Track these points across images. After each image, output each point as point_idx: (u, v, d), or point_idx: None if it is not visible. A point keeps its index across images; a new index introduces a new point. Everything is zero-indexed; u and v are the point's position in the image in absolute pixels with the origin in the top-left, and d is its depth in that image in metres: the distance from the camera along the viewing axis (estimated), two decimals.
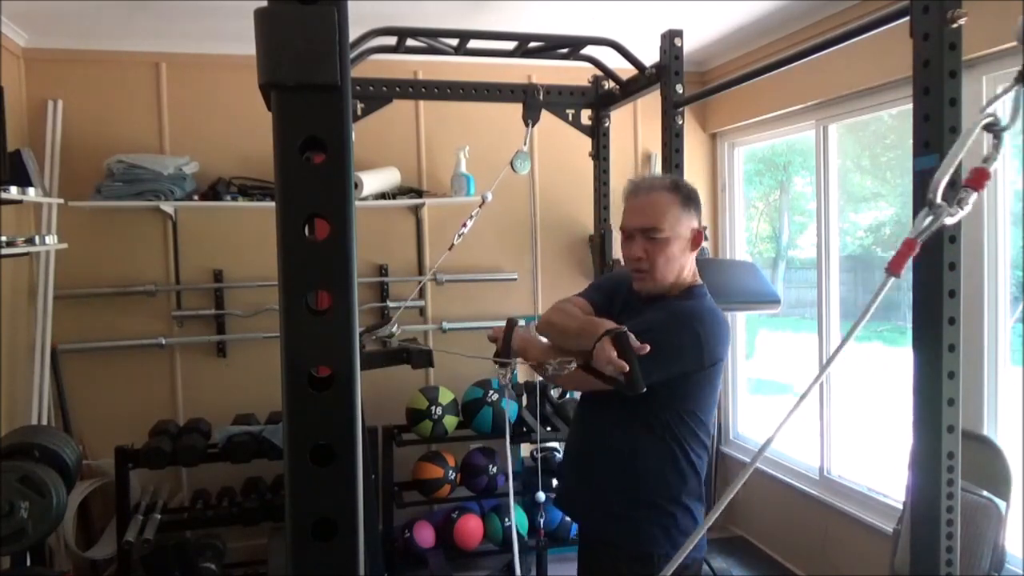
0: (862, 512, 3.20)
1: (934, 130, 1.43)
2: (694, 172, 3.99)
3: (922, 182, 1.46)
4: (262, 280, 3.62)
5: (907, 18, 1.50)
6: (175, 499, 3.56)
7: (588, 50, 2.82)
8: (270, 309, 3.60)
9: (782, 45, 3.48)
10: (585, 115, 3.18)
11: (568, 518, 3.62)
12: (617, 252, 3.43)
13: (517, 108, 3.05)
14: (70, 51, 3.46)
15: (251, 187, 3.56)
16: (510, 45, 2.73)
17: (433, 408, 3.46)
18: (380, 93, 2.89)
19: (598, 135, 3.21)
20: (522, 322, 2.00)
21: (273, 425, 3.32)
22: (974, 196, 0.92)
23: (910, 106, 1.49)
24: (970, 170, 0.91)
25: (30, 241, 2.96)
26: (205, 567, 3.20)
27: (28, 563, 2.73)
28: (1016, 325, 2.72)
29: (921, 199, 1.46)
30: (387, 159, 3.75)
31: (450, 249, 2.69)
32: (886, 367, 3.44)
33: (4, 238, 2.75)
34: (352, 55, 2.45)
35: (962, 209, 0.91)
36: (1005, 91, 0.94)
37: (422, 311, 3.93)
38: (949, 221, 0.92)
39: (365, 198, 3.54)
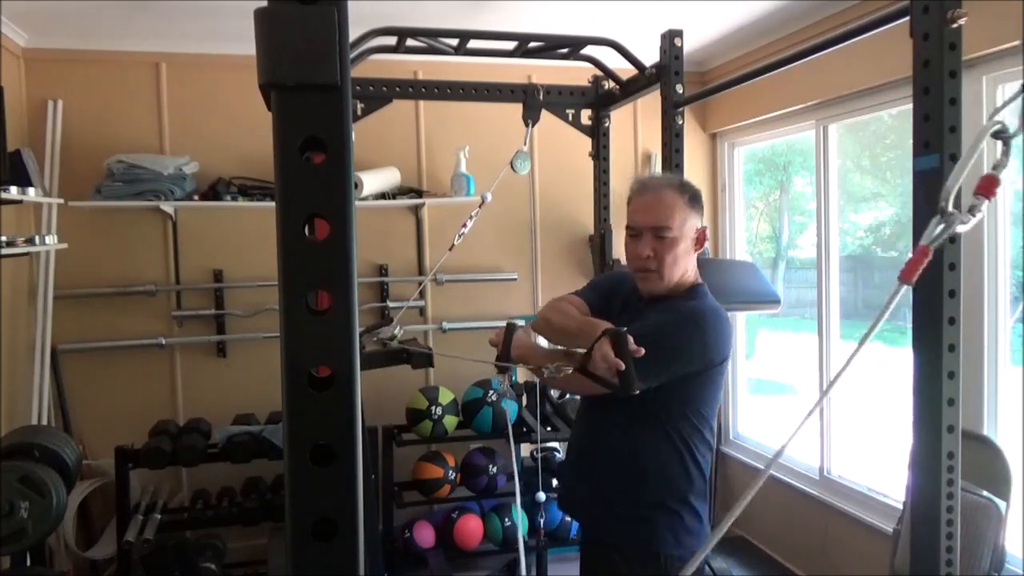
0: (862, 512, 3.20)
1: (934, 130, 1.43)
2: (694, 172, 3.99)
3: (922, 182, 1.46)
4: (262, 280, 3.62)
5: (907, 18, 1.50)
6: (175, 499, 3.56)
7: (588, 50, 2.82)
8: (270, 309, 3.60)
9: (782, 45, 3.48)
10: (585, 115, 3.18)
11: (568, 518, 3.62)
12: (617, 252, 3.44)
13: (517, 108, 3.05)
14: (70, 51, 3.46)
15: (251, 187, 3.56)
16: (510, 45, 2.73)
17: (433, 408, 3.46)
18: (380, 93, 2.89)
19: (598, 135, 3.21)
20: (521, 322, 2.00)
21: (273, 425, 3.32)
22: (985, 204, 0.92)
23: (910, 106, 1.49)
24: (980, 178, 0.91)
25: (30, 241, 2.96)
26: (205, 567, 3.20)
27: (28, 563, 2.73)
28: (1016, 325, 2.72)
29: (922, 199, 1.47)
30: (387, 159, 3.75)
31: (450, 249, 2.68)
32: (886, 367, 3.44)
33: (4, 238, 2.75)
34: (352, 55, 2.45)
35: (974, 216, 0.91)
36: (1012, 98, 0.94)
37: (422, 311, 3.93)
38: (961, 229, 0.92)
39: (365, 198, 3.54)
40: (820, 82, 3.27)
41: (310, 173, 0.54)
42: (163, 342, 3.57)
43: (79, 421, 3.51)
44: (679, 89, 2.56)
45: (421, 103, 3.87)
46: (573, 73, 3.31)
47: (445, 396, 3.52)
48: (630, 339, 1.53)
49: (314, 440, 0.55)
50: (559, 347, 1.86)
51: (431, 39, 2.64)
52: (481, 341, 3.84)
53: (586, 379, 1.61)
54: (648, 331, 1.72)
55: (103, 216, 3.50)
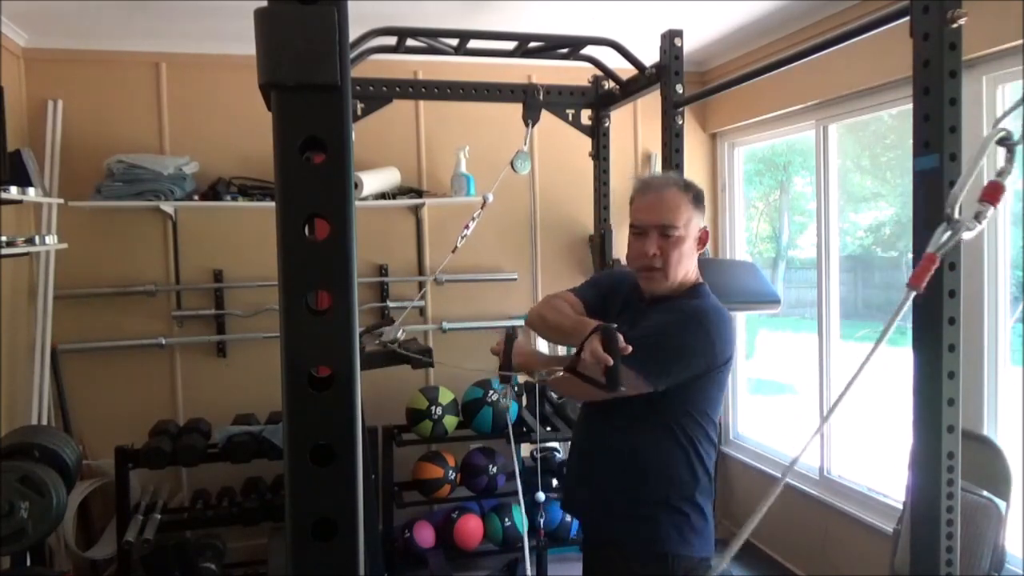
0: (862, 512, 3.20)
1: (934, 130, 1.43)
2: (694, 172, 3.99)
3: (922, 182, 1.46)
4: (262, 280, 3.62)
5: (907, 18, 1.50)
6: (175, 499, 3.56)
7: (588, 50, 2.82)
8: (270, 309, 3.60)
9: (782, 45, 3.48)
10: (585, 115, 3.18)
11: (569, 518, 3.62)
12: (617, 252, 3.44)
13: (517, 108, 3.05)
14: (70, 51, 3.46)
15: (251, 187, 3.56)
16: (510, 45, 2.73)
17: (433, 408, 3.46)
18: (380, 93, 2.89)
19: (598, 135, 3.21)
20: (520, 321, 2.00)
21: (273, 425, 3.32)
22: (991, 210, 0.92)
23: (910, 106, 1.49)
24: (986, 184, 0.91)
25: (30, 241, 2.96)
26: (205, 567, 3.20)
27: (28, 563, 2.73)
28: (1016, 325, 2.72)
29: (922, 199, 1.47)
30: (387, 159, 3.75)
31: (453, 251, 2.69)
32: (886, 367, 3.44)
33: (4, 238, 2.75)
34: (352, 55, 2.45)
35: (980, 223, 0.92)
36: (1014, 107, 0.94)
37: (422, 311, 3.93)
38: (967, 236, 0.92)
39: (365, 198, 3.54)
40: (820, 82, 3.27)
41: (310, 173, 0.54)
42: (163, 342, 3.57)
43: (79, 421, 3.51)
44: (679, 89, 2.56)
45: (421, 103, 3.87)
46: (573, 73, 3.31)
47: (445, 396, 3.52)
48: (620, 337, 1.53)
49: (314, 440, 0.55)
50: (560, 353, 1.86)
51: (431, 39, 2.64)
52: (481, 341, 3.87)
53: (576, 381, 1.61)
54: (653, 332, 1.72)
55: (103, 216, 3.50)
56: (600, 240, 3.36)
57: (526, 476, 3.61)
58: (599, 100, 3.15)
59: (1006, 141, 0.94)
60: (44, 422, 3.28)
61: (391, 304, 3.82)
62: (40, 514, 2.35)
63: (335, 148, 0.54)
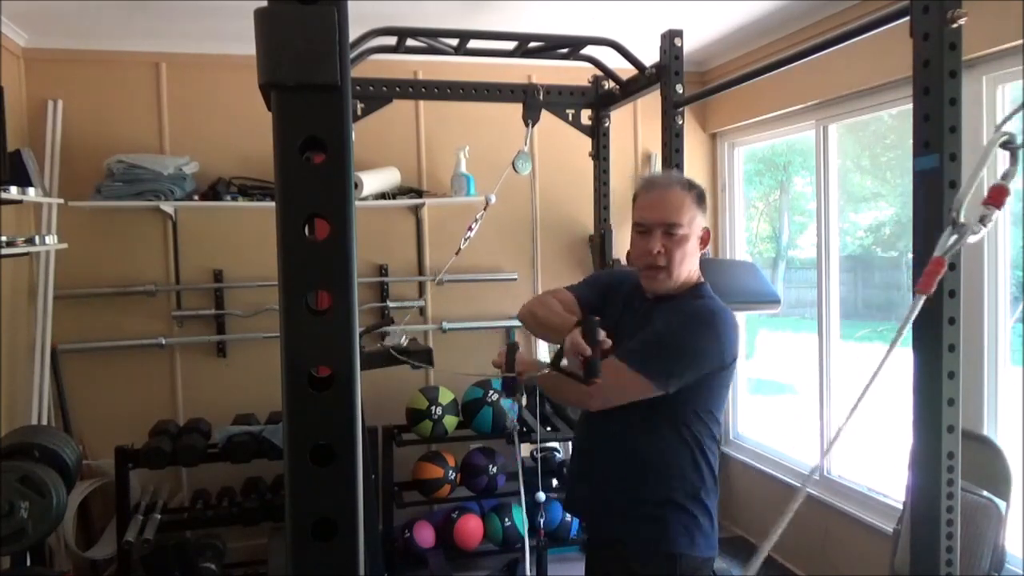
0: (862, 512, 3.20)
1: (934, 130, 1.43)
2: (694, 172, 3.99)
3: (922, 182, 1.46)
4: (262, 280, 3.62)
5: (907, 18, 1.50)
6: (175, 499, 3.56)
7: (588, 50, 2.82)
8: (270, 309, 3.60)
9: (782, 45, 3.48)
10: (585, 115, 3.18)
11: (569, 518, 3.62)
12: (617, 252, 3.45)
13: (517, 108, 3.05)
14: (70, 51, 3.46)
15: (251, 187, 3.56)
16: (510, 45, 2.73)
17: (433, 408, 3.46)
18: (380, 93, 2.89)
19: (598, 135, 3.21)
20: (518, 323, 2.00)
21: (273, 425, 3.32)
22: (996, 214, 0.92)
23: (910, 106, 1.49)
24: (990, 187, 0.91)
25: (30, 241, 2.96)
26: (205, 567, 3.20)
27: (28, 563, 2.73)
28: (1016, 325, 2.72)
29: (922, 199, 1.47)
30: (387, 159, 3.75)
31: (457, 254, 2.69)
32: (886, 367, 3.44)
33: (4, 238, 2.75)
34: (352, 55, 2.45)
35: (985, 227, 0.92)
36: (1016, 111, 0.94)
37: (422, 311, 3.93)
38: (973, 239, 0.93)
39: (365, 198, 3.54)
40: (820, 82, 3.26)
41: (310, 173, 0.54)
42: (163, 342, 3.57)
43: (79, 421, 3.50)
44: (679, 89, 2.56)
45: (421, 103, 3.87)
46: (573, 73, 3.31)
47: (445, 396, 3.52)
48: (601, 332, 1.53)
49: (314, 440, 0.55)
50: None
51: (431, 39, 2.64)
52: (481, 341, 3.87)
53: (564, 381, 1.61)
54: (659, 336, 1.72)
55: (103, 216, 3.50)
56: (600, 240, 3.36)
57: (526, 476, 3.63)
58: (599, 100, 3.15)
59: (1009, 144, 0.94)
60: (44, 422, 3.28)
61: (391, 304, 3.82)
62: (40, 514, 2.35)
63: (335, 148, 0.54)
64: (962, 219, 0.91)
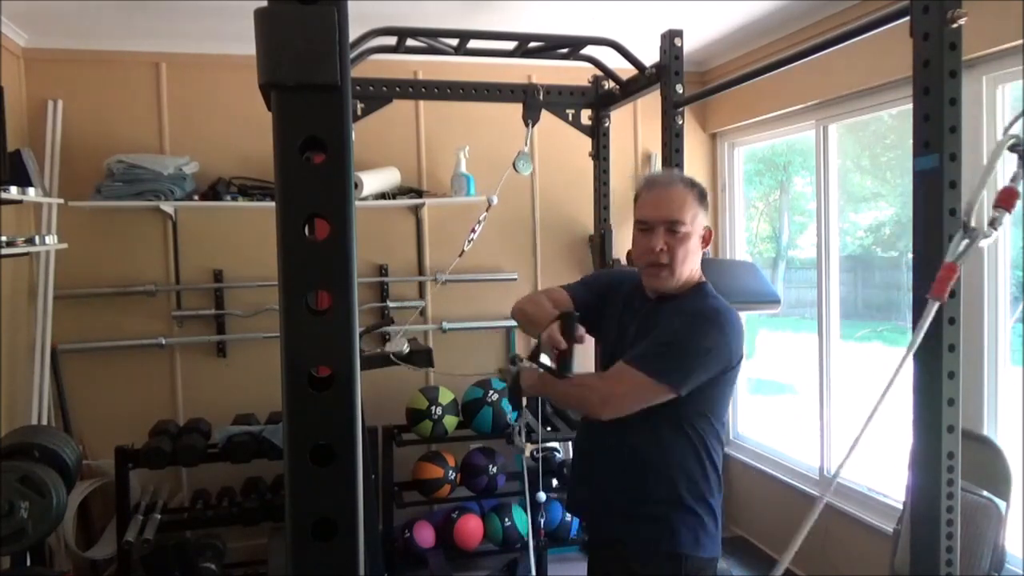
0: (862, 512, 3.20)
1: (934, 130, 1.43)
2: (694, 172, 3.97)
3: (922, 182, 1.46)
4: (262, 280, 3.62)
5: (907, 18, 1.50)
6: (175, 499, 3.56)
7: (588, 50, 2.82)
8: (270, 309, 3.60)
9: (782, 45, 3.48)
10: (585, 115, 3.18)
11: (569, 517, 3.62)
12: (617, 252, 3.45)
13: (517, 108, 3.05)
14: (70, 51, 3.46)
15: (251, 187, 3.56)
16: (510, 45, 2.73)
17: (433, 408, 3.46)
18: (380, 93, 2.89)
19: (598, 135, 3.21)
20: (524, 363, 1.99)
21: (273, 425, 3.32)
22: (1007, 217, 0.92)
23: (910, 106, 1.49)
24: (1000, 190, 0.92)
25: (30, 241, 2.96)
26: (205, 567, 3.20)
27: (28, 563, 2.73)
28: (1016, 325, 2.72)
29: (922, 199, 1.47)
30: (387, 159, 3.75)
31: (460, 255, 2.69)
32: (886, 367, 3.44)
33: (4, 238, 2.75)
34: (352, 55, 2.45)
35: (996, 230, 0.92)
36: (1020, 115, 0.94)
37: (422, 311, 3.93)
38: (984, 243, 0.93)
39: (365, 198, 3.54)
40: (820, 82, 3.27)
41: (310, 173, 0.54)
42: (163, 342, 3.57)
43: (79, 421, 3.51)
44: (679, 89, 2.56)
45: (421, 103, 3.87)
46: (573, 73, 3.31)
47: (445, 396, 3.52)
48: (580, 328, 1.53)
49: (314, 440, 0.55)
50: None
51: (431, 39, 2.65)
52: (481, 341, 3.87)
53: (546, 380, 1.61)
54: (670, 336, 1.71)
55: (103, 216, 3.50)
56: (600, 240, 3.36)
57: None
58: (599, 100, 3.15)
59: (1017, 147, 0.94)
60: (44, 422, 3.28)
61: (391, 304, 3.82)
62: (40, 514, 2.35)
63: (335, 148, 0.54)
64: (972, 223, 0.91)
